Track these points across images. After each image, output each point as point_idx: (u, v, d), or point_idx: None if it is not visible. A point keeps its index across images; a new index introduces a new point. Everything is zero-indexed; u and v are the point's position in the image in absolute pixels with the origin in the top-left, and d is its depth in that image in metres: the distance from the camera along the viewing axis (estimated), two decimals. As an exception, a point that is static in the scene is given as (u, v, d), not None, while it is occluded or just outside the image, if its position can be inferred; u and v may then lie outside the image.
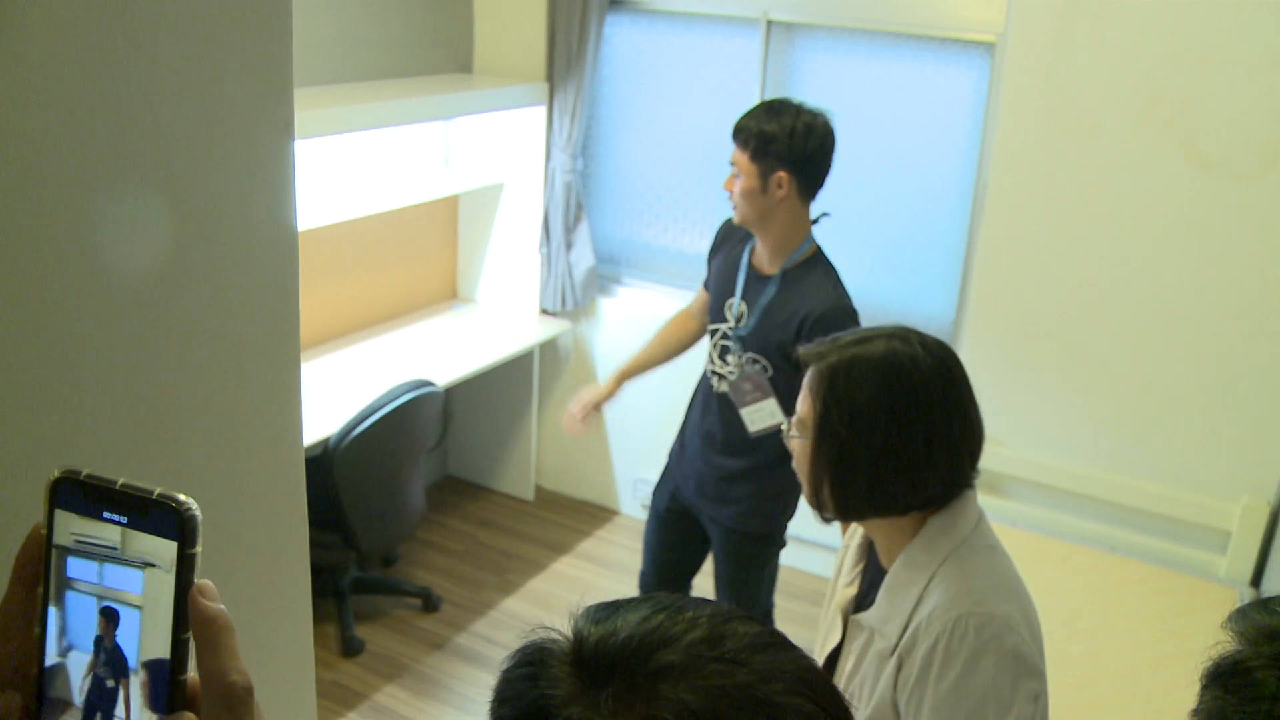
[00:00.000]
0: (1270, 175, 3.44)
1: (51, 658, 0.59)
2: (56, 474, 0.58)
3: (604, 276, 4.82)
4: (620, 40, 4.58)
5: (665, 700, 0.66)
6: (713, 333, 3.10)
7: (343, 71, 4.07)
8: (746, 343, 2.95)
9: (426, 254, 4.79)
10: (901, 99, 4.12)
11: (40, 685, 0.59)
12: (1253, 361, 3.54)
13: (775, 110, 2.81)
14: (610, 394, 3.56)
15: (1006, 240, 3.90)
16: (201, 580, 0.57)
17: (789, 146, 2.82)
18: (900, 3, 3.99)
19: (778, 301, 2.91)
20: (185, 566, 0.57)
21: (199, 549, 0.57)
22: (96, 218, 0.80)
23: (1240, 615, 0.93)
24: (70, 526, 0.58)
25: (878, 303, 4.34)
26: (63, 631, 0.59)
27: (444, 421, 5.06)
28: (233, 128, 0.87)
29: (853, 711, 1.74)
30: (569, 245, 4.64)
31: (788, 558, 4.62)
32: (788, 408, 2.86)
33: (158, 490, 0.56)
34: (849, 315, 2.90)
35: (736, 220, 2.95)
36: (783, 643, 0.72)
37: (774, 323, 2.90)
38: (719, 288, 3.07)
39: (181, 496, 0.56)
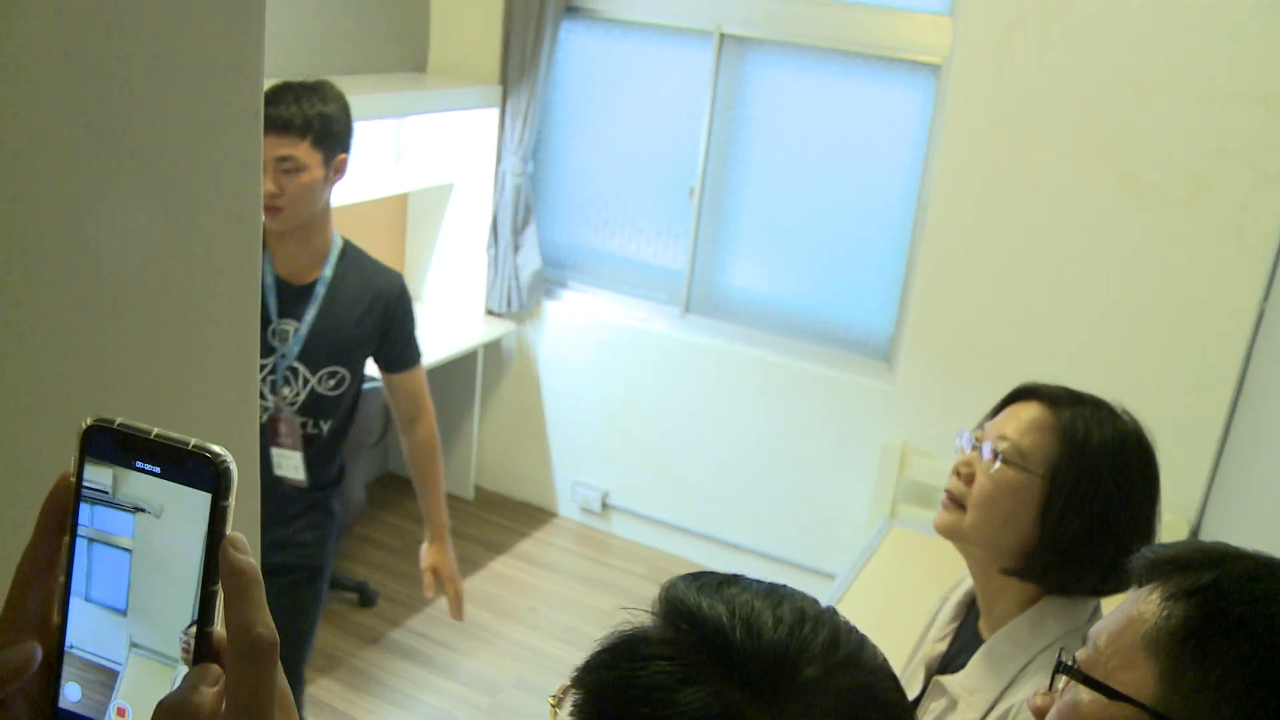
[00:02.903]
0: (1199, 204, 3.56)
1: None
2: (89, 422, 0.57)
3: (550, 280, 4.86)
4: (574, 46, 4.63)
5: (815, 711, 0.70)
6: (263, 368, 2.59)
7: (296, 66, 4.07)
8: (313, 359, 2.58)
9: (374, 251, 4.75)
10: (848, 116, 4.21)
11: (63, 634, 0.59)
12: (1178, 383, 3.66)
13: (307, 91, 2.48)
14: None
15: (946, 258, 4.00)
16: (233, 533, 0.58)
17: (347, 125, 2.55)
18: (851, 22, 4.08)
19: (331, 301, 2.59)
20: (217, 518, 0.57)
21: (232, 501, 0.57)
22: (71, 203, 0.83)
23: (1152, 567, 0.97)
24: (98, 477, 0.58)
25: (820, 316, 4.42)
26: (85, 585, 0.59)
27: (385, 418, 5.06)
28: (205, 113, 0.90)
29: None
30: (516, 247, 4.68)
31: (694, 552, 4.70)
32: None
33: (193, 441, 0.57)
34: (404, 283, 2.74)
35: (286, 226, 2.50)
36: (864, 636, 0.78)
37: (340, 321, 2.59)
38: None
39: (216, 448, 0.57)
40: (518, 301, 4.74)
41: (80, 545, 0.58)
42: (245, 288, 0.98)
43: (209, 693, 0.57)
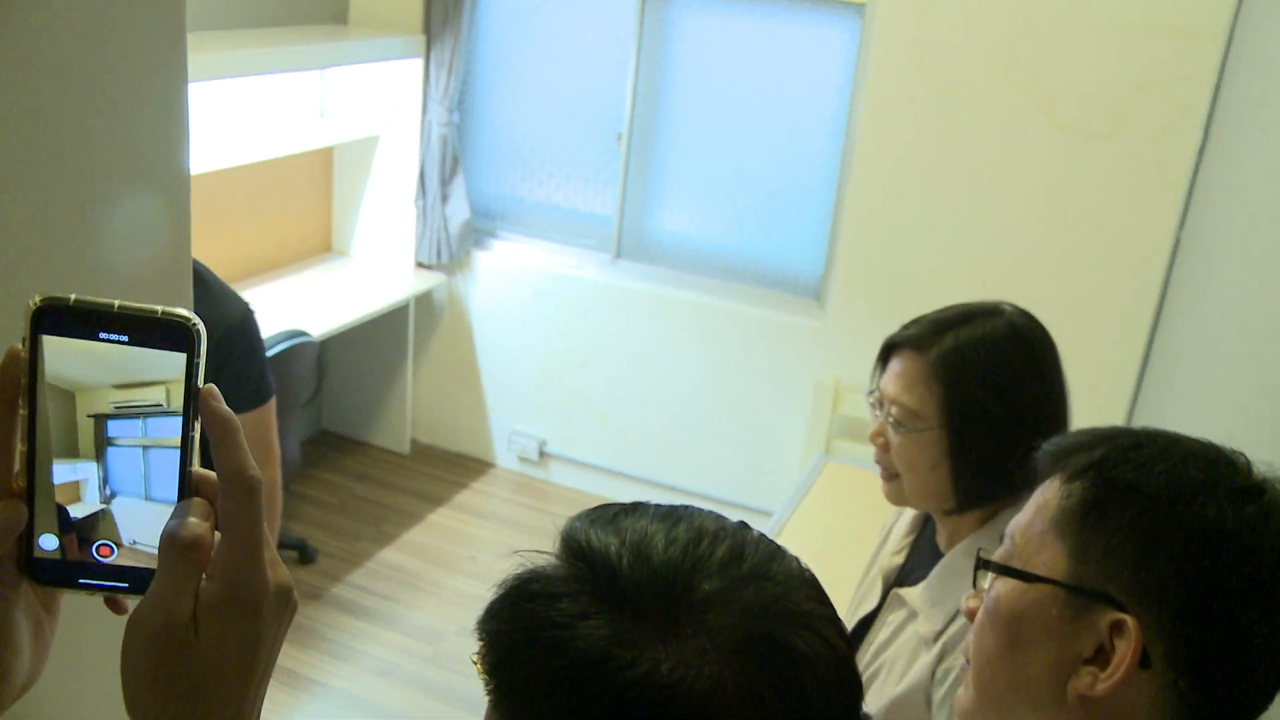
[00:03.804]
0: (1120, 136, 3.63)
1: (94, 505, 0.67)
2: (38, 301, 0.62)
3: (479, 230, 4.84)
4: (497, -7, 4.58)
5: (716, 629, 0.68)
6: None
7: (214, 17, 3.99)
8: None
9: (300, 206, 4.74)
10: (775, 58, 4.22)
11: (30, 501, 0.65)
12: (1102, 311, 3.75)
13: None
14: None
15: (873, 195, 4.04)
16: (208, 384, 0.65)
17: None
18: (773, -37, 4.08)
19: None
20: (193, 371, 0.64)
21: (203, 358, 0.64)
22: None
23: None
24: (64, 352, 0.63)
25: (750, 256, 4.45)
26: (105, 481, 0.66)
27: (318, 375, 5.03)
28: (129, 69, 0.89)
29: (876, 682, 1.74)
30: (445, 199, 4.65)
31: (632, 497, 4.75)
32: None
33: (161, 309, 0.63)
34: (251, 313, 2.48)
35: None
36: (778, 547, 0.76)
37: None
38: None
39: (184, 310, 0.64)
40: (447, 253, 4.72)
41: (136, 453, 0.66)
42: (175, 236, 0.97)
43: (202, 523, 0.65)
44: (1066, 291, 3.81)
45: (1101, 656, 0.91)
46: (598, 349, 4.71)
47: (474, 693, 3.62)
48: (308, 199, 4.76)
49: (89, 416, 0.66)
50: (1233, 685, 0.89)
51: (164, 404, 0.66)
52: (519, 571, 0.76)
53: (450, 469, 5.02)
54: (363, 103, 4.62)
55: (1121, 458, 0.94)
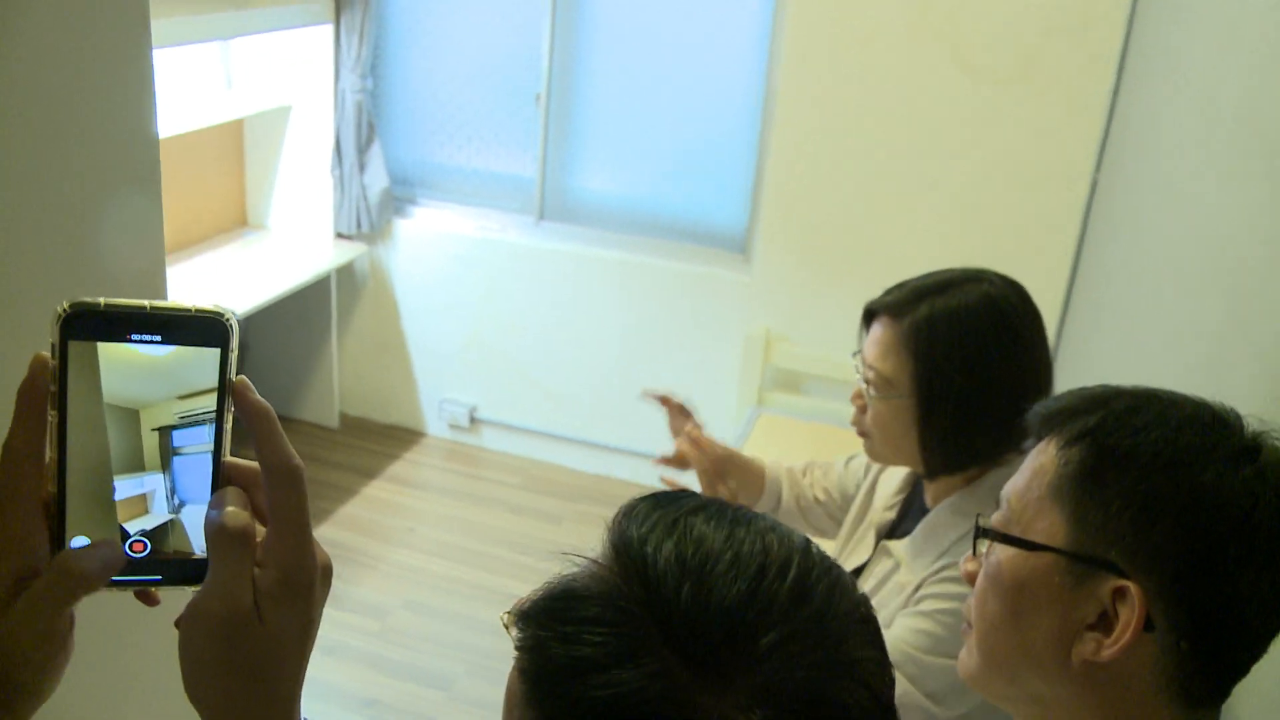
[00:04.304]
0: (1028, 79, 3.70)
1: (163, 515, 0.68)
2: (67, 307, 0.61)
3: (399, 198, 4.78)
4: (404, -45, 4.50)
5: (769, 687, 0.65)
6: None
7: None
8: None
9: (212, 180, 4.63)
10: (692, 11, 4.20)
11: (61, 507, 0.65)
12: (1023, 251, 3.82)
13: None
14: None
15: (795, 147, 4.06)
16: (240, 377, 0.67)
17: None
18: (684, -84, 4.05)
19: None
20: (227, 365, 0.66)
21: (236, 350, 0.66)
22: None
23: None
24: (121, 370, 0.64)
25: (674, 213, 4.45)
26: (173, 491, 0.68)
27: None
28: (91, 35, 0.87)
29: None
30: (362, 167, 4.57)
31: (566, 458, 4.76)
32: None
33: (195, 305, 0.64)
34: None
35: None
36: (840, 573, 0.72)
37: None
38: None
39: (216, 304, 0.65)
40: (367, 222, 4.65)
41: (202, 459, 0.68)
42: (145, 200, 0.95)
43: (244, 511, 0.67)
44: (987, 234, 3.88)
45: (1105, 622, 0.93)
46: (525, 312, 4.69)
47: (424, 666, 3.62)
48: (220, 173, 4.65)
49: (153, 430, 0.66)
50: (1231, 642, 0.91)
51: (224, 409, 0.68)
52: (566, 578, 0.72)
53: (381, 441, 4.97)
54: (272, 72, 4.51)
55: (1118, 424, 0.95)
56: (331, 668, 3.52)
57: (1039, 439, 1.03)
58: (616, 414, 4.69)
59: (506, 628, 0.73)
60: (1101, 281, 3.39)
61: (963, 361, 1.58)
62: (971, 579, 1.07)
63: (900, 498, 1.84)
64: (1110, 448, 0.94)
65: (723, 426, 4.42)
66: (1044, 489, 0.98)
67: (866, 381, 1.69)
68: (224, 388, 0.67)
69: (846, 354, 4.19)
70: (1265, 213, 1.81)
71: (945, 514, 1.67)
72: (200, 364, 0.65)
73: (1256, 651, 0.91)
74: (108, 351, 0.63)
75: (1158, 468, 0.91)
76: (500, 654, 3.59)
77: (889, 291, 1.68)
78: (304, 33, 4.40)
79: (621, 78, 4.37)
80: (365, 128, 4.54)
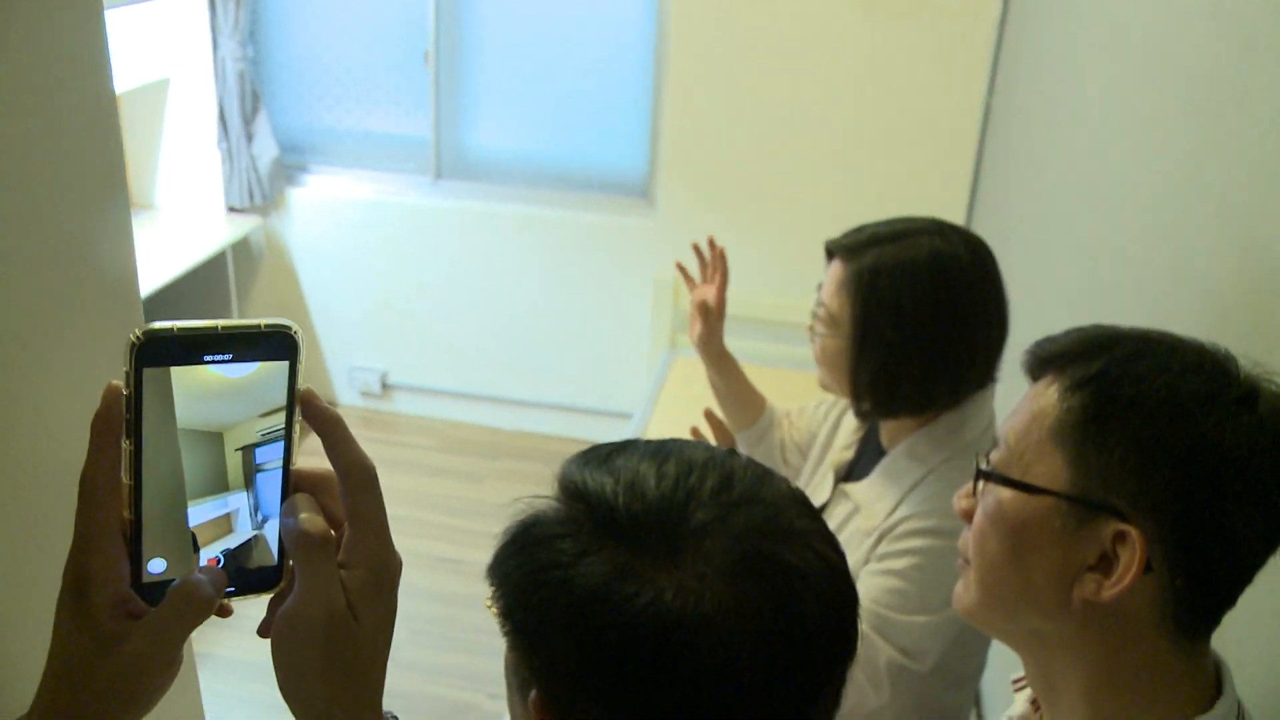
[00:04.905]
0: (919, 12, 3.76)
1: (247, 533, 0.71)
2: (140, 335, 0.61)
3: (290, 166, 4.67)
4: (274, -84, 4.37)
5: (712, 553, 0.72)
6: None
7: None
8: None
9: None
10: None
11: (138, 533, 0.66)
12: (923, 180, 3.90)
13: None
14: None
15: (691, 87, 4.07)
16: (305, 386, 0.70)
17: None
18: None
19: None
20: (294, 377, 0.68)
21: (303, 362, 0.68)
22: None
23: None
24: (201, 396, 0.65)
25: (574, 162, 4.44)
26: (256, 508, 0.70)
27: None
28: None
29: None
30: (249, 138, 4.46)
31: (483, 416, 4.76)
32: None
33: (263, 322, 0.66)
34: None
35: None
36: (767, 470, 0.80)
37: None
38: None
39: (283, 320, 0.67)
40: (260, 194, 4.54)
41: (279, 473, 0.70)
42: (122, 268, 0.93)
43: (318, 516, 0.70)
44: (891, 162, 3.94)
45: (1105, 563, 0.96)
46: (429, 273, 4.64)
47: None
48: (100, 154, 4.49)
49: (236, 450, 0.68)
50: (1225, 578, 0.94)
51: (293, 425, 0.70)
52: (521, 517, 0.79)
53: (292, 414, 4.89)
54: (145, 45, 4.36)
55: (1121, 370, 0.96)
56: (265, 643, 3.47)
57: (1035, 379, 1.05)
58: (530, 368, 4.69)
59: (491, 608, 0.80)
60: (1003, 207, 3.47)
61: (896, 313, 1.61)
62: (966, 516, 1.10)
63: (858, 436, 1.87)
64: (1114, 394, 0.96)
65: (638, 371, 4.44)
66: (1044, 432, 1.00)
67: (815, 315, 1.72)
68: (291, 399, 0.69)
69: (755, 294, 4.27)
70: (1177, 131, 1.87)
71: (901, 459, 1.70)
72: (273, 379, 0.68)
73: (1245, 583, 0.95)
74: (188, 377, 0.64)
75: (1161, 415, 0.93)
76: (439, 619, 3.59)
77: (849, 233, 1.69)
78: (177, 1, 4.25)
79: (510, 29, 4.32)
80: (250, 97, 4.42)
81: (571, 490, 0.78)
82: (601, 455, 0.80)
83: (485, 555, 0.78)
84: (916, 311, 1.60)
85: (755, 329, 4.30)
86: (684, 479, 0.75)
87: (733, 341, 4.21)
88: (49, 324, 0.91)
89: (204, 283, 4.59)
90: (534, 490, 0.80)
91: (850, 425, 1.90)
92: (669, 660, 0.70)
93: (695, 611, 0.70)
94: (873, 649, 1.65)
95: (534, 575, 0.75)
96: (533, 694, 0.76)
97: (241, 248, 4.74)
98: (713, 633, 0.70)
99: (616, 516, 0.74)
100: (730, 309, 4.36)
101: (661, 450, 0.79)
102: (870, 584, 1.66)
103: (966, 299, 1.61)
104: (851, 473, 1.84)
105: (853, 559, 1.68)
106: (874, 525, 1.69)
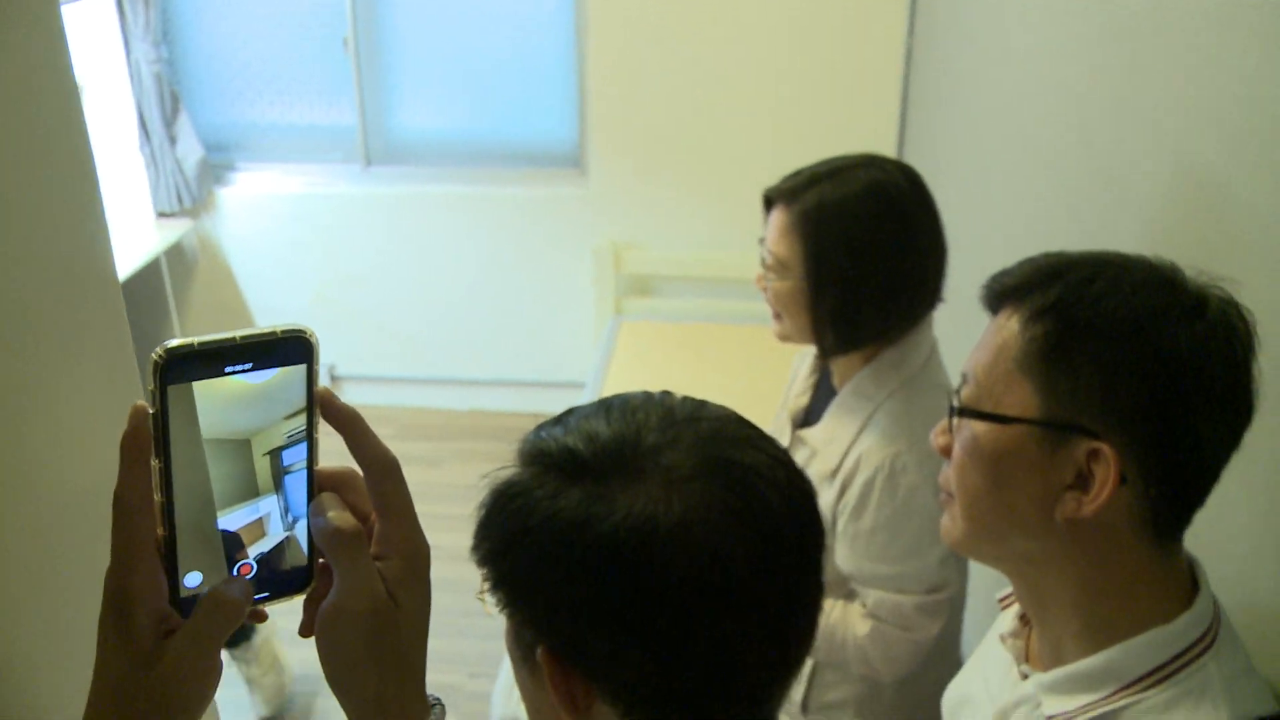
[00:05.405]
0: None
1: (279, 535, 0.72)
2: (162, 353, 0.62)
3: (217, 165, 4.61)
4: (176, -87, 4.29)
5: (671, 466, 0.76)
6: None
7: None
8: None
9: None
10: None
11: (172, 548, 0.67)
12: (849, 124, 3.93)
13: None
14: None
15: (615, 54, 4.07)
16: (322, 387, 0.71)
17: None
18: None
19: None
20: (312, 378, 0.69)
21: (318, 364, 0.69)
22: None
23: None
24: (222, 405, 0.66)
25: (503, 139, 4.43)
26: (286, 510, 0.71)
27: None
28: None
29: None
30: (172, 140, 4.40)
31: (435, 400, 4.75)
32: None
33: (279, 329, 0.67)
34: None
35: None
36: (703, 400, 0.84)
37: None
38: None
39: (299, 324, 0.68)
40: (188, 196, 4.48)
41: (305, 473, 0.71)
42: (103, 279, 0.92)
43: (345, 512, 0.71)
44: (815, 117, 3.97)
45: (1082, 481, 1.00)
46: (367, 261, 4.61)
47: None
48: (20, 169, 4.41)
49: (264, 455, 0.69)
50: (1194, 481, 0.99)
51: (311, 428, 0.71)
52: (491, 488, 0.82)
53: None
54: (57, 55, 4.28)
55: (1076, 296, 1.00)
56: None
57: (995, 313, 1.08)
58: (478, 347, 4.68)
59: (482, 599, 0.83)
60: (933, 145, 3.51)
61: (848, 245, 1.64)
62: (944, 451, 1.14)
63: (812, 380, 1.91)
64: (1072, 320, 1.00)
65: (586, 340, 4.46)
66: (1011, 363, 1.03)
67: (765, 265, 1.75)
68: (311, 400, 0.70)
69: (695, 253, 4.29)
70: (1104, 56, 1.90)
71: (849, 398, 1.74)
72: (293, 382, 0.68)
73: (1214, 482, 1.00)
74: (211, 388, 0.65)
75: (1120, 334, 0.97)
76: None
77: (785, 179, 1.72)
78: (83, 6, 4.18)
79: (428, 8, 4.28)
80: (168, 98, 4.36)
81: (532, 454, 0.81)
82: (552, 421, 0.84)
83: (451, 537, 0.80)
84: (866, 240, 1.63)
85: (701, 287, 4.34)
86: (630, 417, 0.80)
87: (683, 303, 4.27)
88: (34, 320, 0.90)
89: (140, 292, 4.53)
90: (495, 467, 0.84)
91: (804, 371, 1.93)
92: (654, 567, 0.73)
93: (667, 516, 0.73)
94: (897, 603, 1.71)
95: (515, 525, 0.78)
96: (539, 650, 0.79)
97: (175, 253, 4.68)
98: (688, 533, 0.73)
99: (578, 459, 0.78)
100: (673, 271, 4.41)
101: (603, 403, 0.84)
102: (851, 548, 1.71)
103: (911, 222, 1.65)
104: (808, 419, 1.87)
105: (821, 503, 1.72)
106: (831, 467, 1.72)
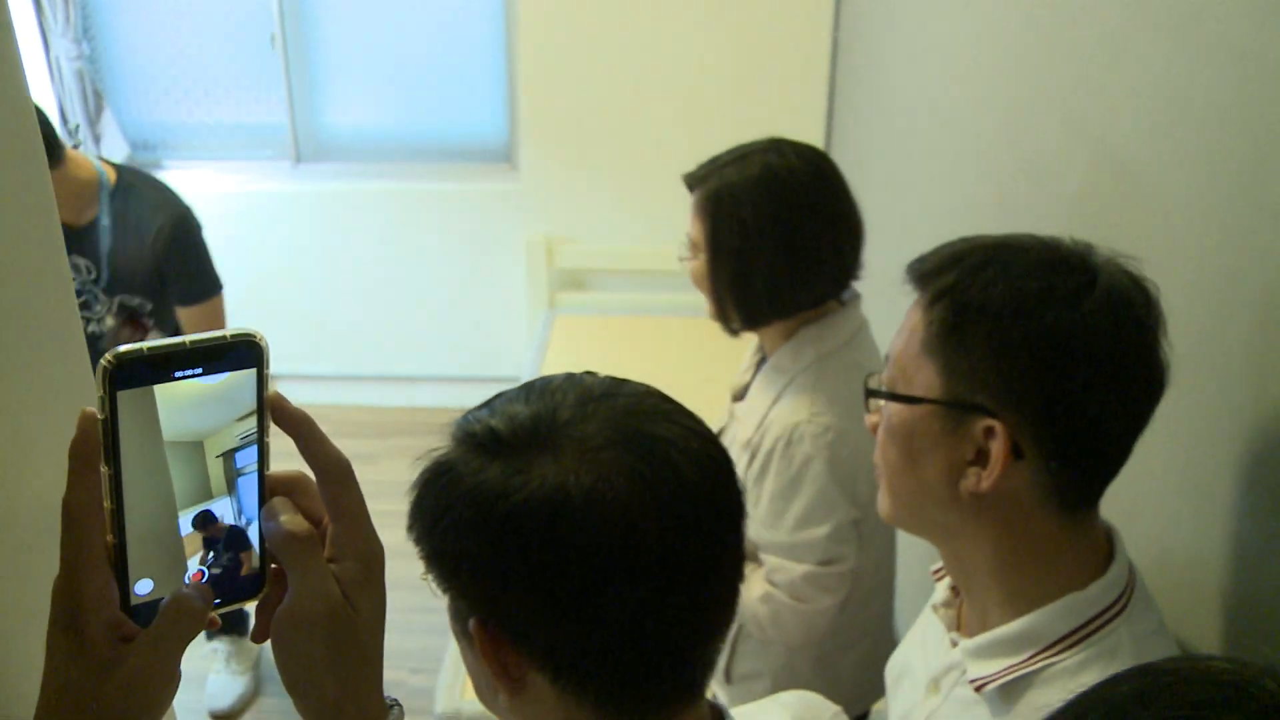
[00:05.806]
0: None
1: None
2: (112, 360, 0.62)
3: (144, 164, 4.54)
4: (96, -92, 4.23)
5: (585, 437, 0.79)
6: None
7: None
8: (112, 290, 2.70)
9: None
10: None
11: (122, 555, 0.67)
12: (771, 119, 3.98)
13: None
14: None
15: (543, 48, 4.09)
16: (272, 391, 0.71)
17: None
18: None
19: (117, 235, 2.65)
20: (263, 383, 0.70)
21: (269, 368, 0.70)
22: None
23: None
24: (178, 408, 0.66)
25: (433, 134, 4.42)
26: (239, 511, 0.72)
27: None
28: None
29: None
30: (97, 138, 4.34)
31: (370, 397, 4.75)
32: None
33: (229, 333, 0.67)
34: (190, 212, 2.83)
35: None
36: (623, 379, 0.87)
37: (127, 257, 2.66)
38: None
39: (249, 328, 0.68)
40: (114, 195, 4.42)
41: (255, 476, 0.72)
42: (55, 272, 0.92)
43: (298, 516, 0.72)
44: (743, 108, 4.02)
45: (981, 457, 1.05)
46: (299, 260, 4.58)
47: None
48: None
49: (217, 457, 0.69)
50: (1093, 454, 1.04)
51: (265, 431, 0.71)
52: (421, 469, 0.85)
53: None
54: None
55: (970, 281, 1.05)
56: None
57: (917, 293, 1.14)
58: (412, 343, 4.68)
59: (426, 579, 0.86)
60: (860, 134, 3.57)
61: (738, 226, 1.75)
62: (874, 429, 1.20)
63: (756, 359, 1.99)
64: (965, 303, 1.05)
65: (519, 334, 4.47)
66: (918, 346, 1.10)
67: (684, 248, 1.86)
68: (261, 405, 0.70)
69: (626, 245, 4.31)
70: (1019, 42, 1.95)
71: (769, 371, 1.85)
72: (244, 385, 0.69)
73: (1121, 457, 1.05)
74: (164, 391, 0.65)
75: (1007, 316, 1.02)
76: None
77: (700, 165, 1.82)
78: None
79: (356, 5, 4.27)
80: (91, 96, 4.30)
81: (460, 435, 0.84)
82: (480, 405, 0.87)
83: (389, 534, 0.81)
84: (755, 220, 1.74)
85: (633, 280, 4.37)
86: (550, 397, 0.83)
87: (616, 296, 4.29)
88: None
89: (66, 292, 4.45)
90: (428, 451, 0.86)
91: (750, 350, 2.01)
92: (566, 534, 0.76)
93: (579, 484, 0.76)
94: (788, 571, 1.78)
95: (441, 501, 0.81)
96: (471, 621, 0.82)
97: (101, 252, 4.61)
98: (600, 500, 0.76)
99: (499, 437, 0.81)
100: (605, 264, 4.44)
101: (526, 385, 0.87)
102: (761, 513, 1.79)
103: (801, 204, 1.75)
104: (745, 394, 1.95)
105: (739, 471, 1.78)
106: (747, 436, 1.82)
